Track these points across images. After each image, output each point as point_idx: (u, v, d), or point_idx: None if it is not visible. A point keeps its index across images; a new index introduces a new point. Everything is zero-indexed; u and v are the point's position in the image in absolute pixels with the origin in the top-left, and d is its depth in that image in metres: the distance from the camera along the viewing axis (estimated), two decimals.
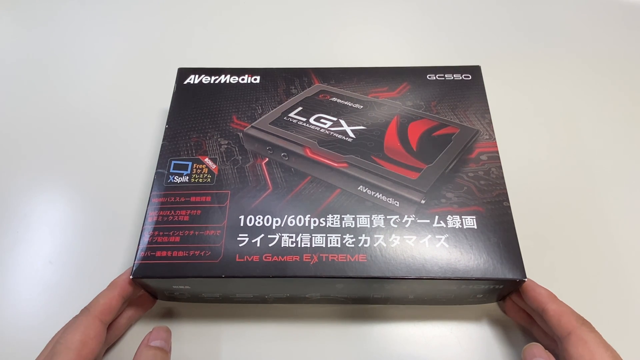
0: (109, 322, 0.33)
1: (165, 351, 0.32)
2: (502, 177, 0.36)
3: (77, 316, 0.32)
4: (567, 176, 0.46)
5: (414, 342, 0.37)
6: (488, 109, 0.41)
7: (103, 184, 0.45)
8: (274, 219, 0.35)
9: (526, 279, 0.32)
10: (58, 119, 0.50)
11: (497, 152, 0.38)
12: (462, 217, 0.35)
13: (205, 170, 0.38)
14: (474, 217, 0.35)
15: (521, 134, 0.48)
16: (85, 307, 0.32)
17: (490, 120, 0.40)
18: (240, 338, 0.37)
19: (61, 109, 0.51)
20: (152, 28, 0.59)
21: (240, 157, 0.38)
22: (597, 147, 0.48)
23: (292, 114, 0.41)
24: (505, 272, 0.32)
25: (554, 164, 0.46)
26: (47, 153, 0.48)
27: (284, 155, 0.39)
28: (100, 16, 0.60)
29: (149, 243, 0.34)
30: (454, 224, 0.34)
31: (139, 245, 0.34)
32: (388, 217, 0.35)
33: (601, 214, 0.43)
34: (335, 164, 0.38)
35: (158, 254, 0.34)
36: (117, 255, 0.41)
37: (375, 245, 0.34)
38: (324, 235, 0.34)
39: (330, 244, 0.34)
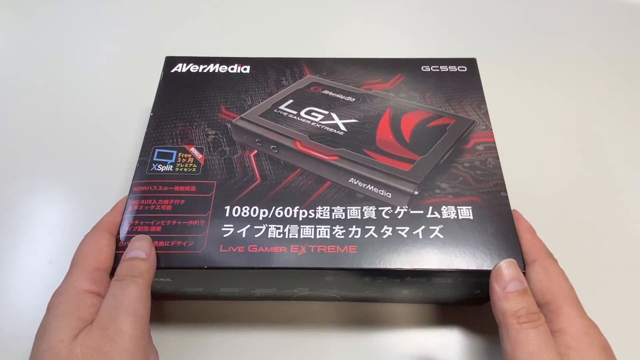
0: (115, 234, 0.33)
1: (143, 258, 0.30)
2: (499, 167, 0.35)
3: (85, 235, 0.32)
4: (567, 172, 0.45)
5: (415, 343, 0.36)
6: (484, 100, 0.39)
7: (103, 184, 0.45)
8: (261, 210, 0.34)
9: (524, 270, 0.31)
10: (57, 119, 0.50)
11: (494, 142, 0.37)
12: (458, 207, 0.33)
13: (191, 159, 0.36)
14: (470, 207, 0.33)
15: (519, 129, 0.48)
16: (92, 228, 0.33)
17: (487, 111, 0.39)
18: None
19: (60, 109, 0.51)
20: (141, 17, 0.58)
21: (228, 148, 0.37)
22: (597, 140, 0.47)
23: (282, 107, 0.40)
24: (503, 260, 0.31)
25: (554, 160, 0.46)
26: (47, 153, 0.47)
27: (273, 148, 0.37)
28: (91, 13, 0.60)
29: (128, 233, 0.32)
30: (448, 215, 0.33)
31: (118, 235, 0.33)
32: (380, 208, 0.33)
33: (600, 205, 0.43)
34: (326, 157, 0.36)
35: None
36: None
37: (366, 236, 0.32)
38: (313, 226, 0.33)
39: (319, 235, 0.32)
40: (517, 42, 0.56)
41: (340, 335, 0.37)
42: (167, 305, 0.38)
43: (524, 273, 0.30)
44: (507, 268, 0.30)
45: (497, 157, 0.36)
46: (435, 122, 0.38)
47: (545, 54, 0.55)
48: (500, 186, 0.34)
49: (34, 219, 0.43)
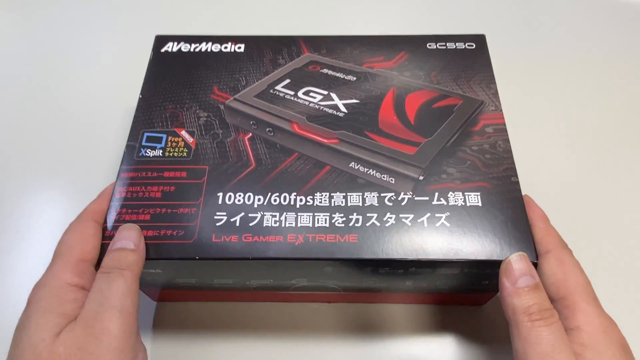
0: (102, 223, 0.31)
1: (131, 249, 0.29)
2: (510, 151, 0.33)
3: (70, 224, 0.30)
4: (581, 160, 0.44)
5: (413, 347, 0.35)
6: (494, 79, 0.37)
7: (103, 184, 0.42)
8: (256, 197, 0.32)
9: (537, 261, 0.29)
10: (57, 119, 0.49)
11: (504, 124, 0.34)
12: (465, 193, 0.31)
13: (182, 143, 0.34)
14: (479, 193, 0.31)
15: (529, 113, 0.46)
16: (77, 216, 0.31)
17: (497, 90, 0.36)
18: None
19: (60, 109, 0.49)
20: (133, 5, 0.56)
21: (221, 131, 0.35)
22: (612, 127, 0.46)
23: (278, 87, 0.38)
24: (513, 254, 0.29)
25: (567, 147, 0.45)
26: (48, 152, 0.46)
27: (269, 131, 0.35)
28: (84, 8, 0.58)
29: (115, 221, 0.31)
30: (455, 201, 0.31)
31: (105, 224, 0.31)
32: (382, 194, 0.32)
33: (618, 194, 0.42)
34: (326, 140, 0.34)
35: None
36: None
37: (367, 224, 0.30)
38: (311, 214, 0.31)
39: (318, 223, 0.30)
40: (526, 26, 0.54)
41: (338, 338, 0.36)
42: (161, 308, 0.37)
43: (537, 264, 0.29)
44: (517, 262, 0.28)
45: (508, 140, 0.34)
46: (441, 102, 0.36)
47: (556, 41, 0.53)
48: (511, 171, 0.32)
49: (34, 219, 0.43)
